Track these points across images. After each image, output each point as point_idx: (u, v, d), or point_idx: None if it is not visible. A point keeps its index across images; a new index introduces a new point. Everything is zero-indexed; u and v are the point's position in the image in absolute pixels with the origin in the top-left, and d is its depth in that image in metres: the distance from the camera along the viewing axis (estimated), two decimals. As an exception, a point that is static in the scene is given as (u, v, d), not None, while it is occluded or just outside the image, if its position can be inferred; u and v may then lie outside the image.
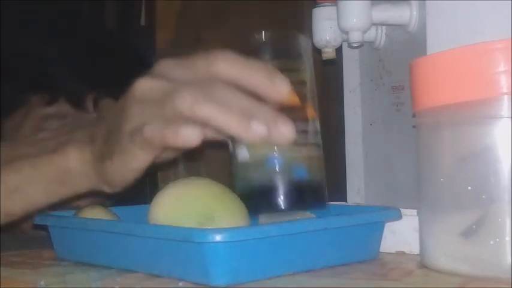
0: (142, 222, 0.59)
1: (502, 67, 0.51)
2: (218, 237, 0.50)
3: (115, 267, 0.58)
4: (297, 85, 0.60)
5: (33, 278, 0.56)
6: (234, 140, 0.61)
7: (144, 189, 1.37)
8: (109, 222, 0.62)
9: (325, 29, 0.72)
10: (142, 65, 1.08)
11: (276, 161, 0.60)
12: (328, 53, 0.74)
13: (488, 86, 0.52)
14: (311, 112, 0.61)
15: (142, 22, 1.35)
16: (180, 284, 0.52)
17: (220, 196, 0.58)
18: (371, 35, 0.74)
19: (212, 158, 1.33)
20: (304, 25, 0.78)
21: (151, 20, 1.32)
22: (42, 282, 0.55)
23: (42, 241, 0.69)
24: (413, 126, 0.59)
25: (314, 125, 0.62)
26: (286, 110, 0.57)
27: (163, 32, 1.30)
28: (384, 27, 0.74)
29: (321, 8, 0.73)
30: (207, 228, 0.55)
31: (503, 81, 0.51)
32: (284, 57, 0.61)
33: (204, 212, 0.56)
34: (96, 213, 0.64)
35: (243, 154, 0.60)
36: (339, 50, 0.77)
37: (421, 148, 0.57)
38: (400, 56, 0.72)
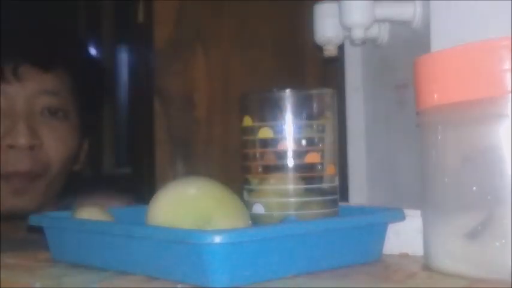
0: (140, 223, 0.58)
1: (508, 65, 0.50)
2: (217, 239, 0.50)
3: (112, 269, 0.58)
4: (318, 142, 0.61)
5: (28, 280, 0.56)
6: (251, 190, 0.62)
7: (141, 189, 1.37)
8: (106, 224, 0.62)
9: (327, 26, 0.72)
10: (63, 36, 1.15)
11: (291, 220, 0.60)
12: (330, 51, 0.73)
13: (493, 84, 0.51)
14: (331, 169, 0.62)
15: (140, 19, 1.35)
16: (179, 286, 0.52)
17: (220, 197, 0.58)
18: (374, 31, 0.73)
19: (212, 158, 1.33)
20: (305, 23, 0.78)
21: (149, 17, 1.31)
22: (37, 284, 0.54)
23: (37, 242, 0.69)
24: (417, 125, 0.58)
25: (333, 181, 0.62)
26: (305, 167, 0.60)
27: (162, 30, 1.30)
28: (386, 23, 0.73)
29: (323, 4, 0.72)
30: (206, 230, 0.54)
31: (509, 79, 0.50)
32: (306, 114, 0.60)
33: (202, 214, 0.56)
34: (92, 214, 0.63)
35: (258, 208, 0.61)
36: (341, 48, 0.76)
37: (425, 147, 0.57)
38: (404, 53, 0.71)
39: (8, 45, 1.06)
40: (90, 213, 0.63)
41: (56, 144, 1.07)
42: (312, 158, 0.60)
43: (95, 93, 1.19)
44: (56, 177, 1.09)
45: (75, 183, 1.16)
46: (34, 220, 0.65)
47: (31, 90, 1.06)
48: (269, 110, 0.61)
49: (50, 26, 1.18)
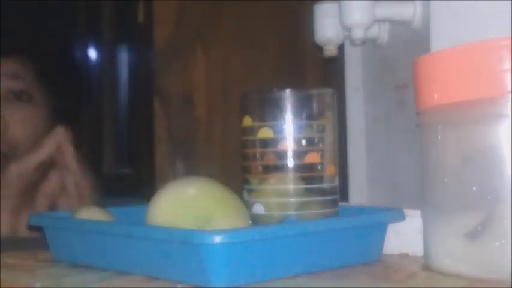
0: (139, 223, 0.58)
1: (508, 65, 0.50)
2: (217, 239, 0.49)
3: (112, 269, 0.58)
4: (318, 142, 0.61)
5: (28, 280, 0.56)
6: (251, 190, 0.62)
7: (141, 189, 1.37)
8: (106, 224, 0.61)
9: (327, 26, 0.72)
10: (26, 23, 1.19)
11: (291, 220, 0.60)
12: (330, 51, 0.73)
13: (493, 84, 0.51)
14: (331, 169, 0.61)
15: (140, 19, 1.35)
16: (179, 286, 0.52)
17: (220, 197, 0.58)
18: (374, 31, 0.73)
19: (212, 158, 1.33)
20: (305, 23, 0.78)
21: (149, 17, 1.31)
22: (37, 284, 0.54)
23: (37, 242, 0.69)
24: (417, 125, 0.58)
25: (333, 181, 0.62)
26: (305, 167, 0.60)
27: (162, 30, 1.30)
28: (386, 23, 0.73)
29: (323, 4, 0.72)
30: (206, 230, 0.54)
31: (509, 79, 0.50)
32: (306, 114, 0.60)
33: (202, 214, 0.56)
34: (92, 214, 0.63)
35: (258, 208, 0.61)
36: (341, 48, 0.76)
37: (425, 147, 0.57)
38: (404, 53, 0.71)
39: None
40: (90, 213, 0.63)
41: (22, 124, 1.09)
42: (312, 158, 0.60)
43: (61, 79, 1.20)
44: None
45: None
46: (34, 220, 0.65)
47: None
48: (269, 110, 0.61)
49: (14, 13, 1.21)
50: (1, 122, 1.06)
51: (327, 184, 0.61)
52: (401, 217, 0.62)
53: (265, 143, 0.61)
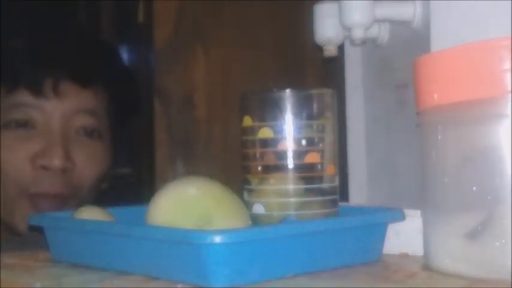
0: (140, 223, 0.58)
1: (508, 65, 0.50)
2: (217, 239, 0.49)
3: (112, 269, 0.58)
4: (318, 142, 0.61)
5: (28, 280, 0.56)
6: (251, 190, 0.62)
7: (141, 189, 1.37)
8: (106, 224, 0.61)
9: (327, 26, 0.72)
10: (100, 49, 1.14)
11: (291, 220, 0.60)
12: (330, 51, 0.73)
13: (493, 84, 0.51)
14: (331, 169, 0.62)
15: (140, 19, 1.35)
16: (179, 285, 0.52)
17: (220, 197, 0.58)
18: (374, 31, 0.73)
19: (212, 158, 1.33)
20: (305, 23, 0.78)
21: (149, 17, 1.31)
22: (37, 284, 0.54)
23: (37, 242, 0.69)
24: (417, 125, 0.58)
25: (333, 181, 0.62)
26: (305, 167, 0.60)
27: (162, 30, 1.30)
28: (386, 24, 0.73)
29: (323, 4, 0.72)
30: (206, 230, 0.54)
31: (509, 79, 0.50)
32: (306, 114, 0.60)
33: (202, 214, 0.56)
34: (92, 214, 0.63)
35: (258, 208, 0.61)
36: (341, 48, 0.76)
37: (425, 148, 0.57)
38: (404, 53, 0.71)
39: (48, 59, 1.02)
40: (90, 213, 0.63)
41: (89, 165, 1.04)
42: (312, 158, 0.60)
43: (130, 111, 1.16)
44: (85, 199, 1.05)
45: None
46: (34, 220, 0.65)
47: (69, 108, 1.02)
48: (269, 110, 0.61)
49: (89, 40, 1.14)
50: (69, 164, 1.01)
51: (327, 184, 0.61)
52: (401, 217, 0.62)
53: (265, 143, 0.61)
